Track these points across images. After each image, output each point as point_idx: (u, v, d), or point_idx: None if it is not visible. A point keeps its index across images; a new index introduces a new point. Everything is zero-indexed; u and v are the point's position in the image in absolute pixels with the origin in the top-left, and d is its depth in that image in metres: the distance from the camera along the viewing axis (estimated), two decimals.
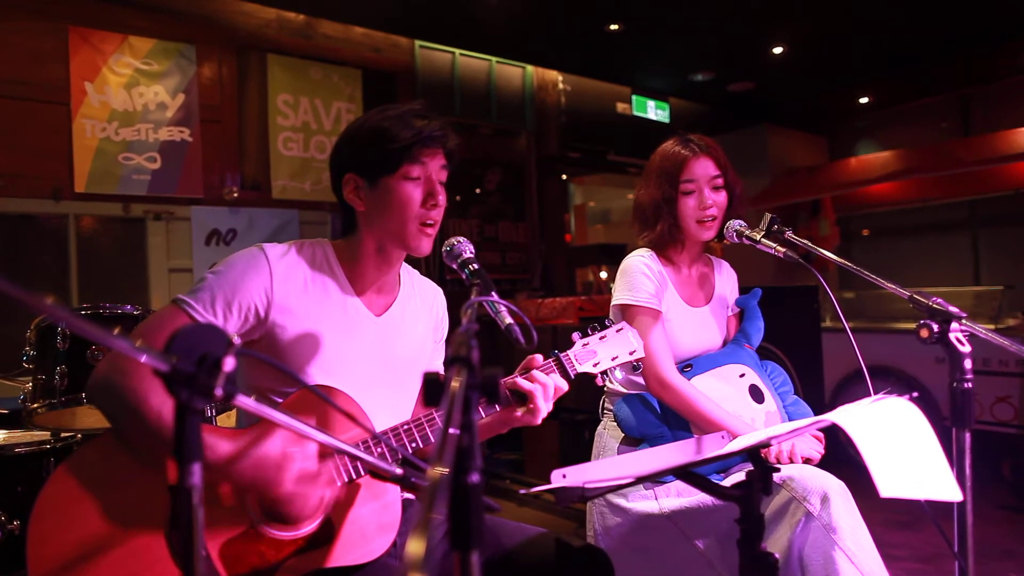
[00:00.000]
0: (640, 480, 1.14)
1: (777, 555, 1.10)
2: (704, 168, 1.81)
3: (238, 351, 0.77)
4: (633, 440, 1.80)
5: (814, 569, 1.42)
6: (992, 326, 4.60)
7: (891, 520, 3.43)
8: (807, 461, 1.66)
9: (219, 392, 0.74)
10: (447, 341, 1.59)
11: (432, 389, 0.73)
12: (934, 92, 7.06)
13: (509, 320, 1.20)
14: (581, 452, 1.91)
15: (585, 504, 1.80)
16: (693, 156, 1.81)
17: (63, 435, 2.16)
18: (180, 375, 0.73)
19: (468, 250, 1.33)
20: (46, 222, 4.49)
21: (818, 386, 3.87)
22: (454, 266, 1.32)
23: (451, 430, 0.64)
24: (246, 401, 0.82)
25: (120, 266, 4.78)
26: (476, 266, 1.29)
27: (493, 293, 1.18)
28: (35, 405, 2.04)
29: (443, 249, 1.35)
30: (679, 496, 1.64)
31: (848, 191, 7.11)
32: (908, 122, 7.45)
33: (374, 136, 1.34)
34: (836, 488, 1.48)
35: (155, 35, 4.75)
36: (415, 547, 0.49)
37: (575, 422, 4.01)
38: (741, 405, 1.76)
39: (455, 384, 0.70)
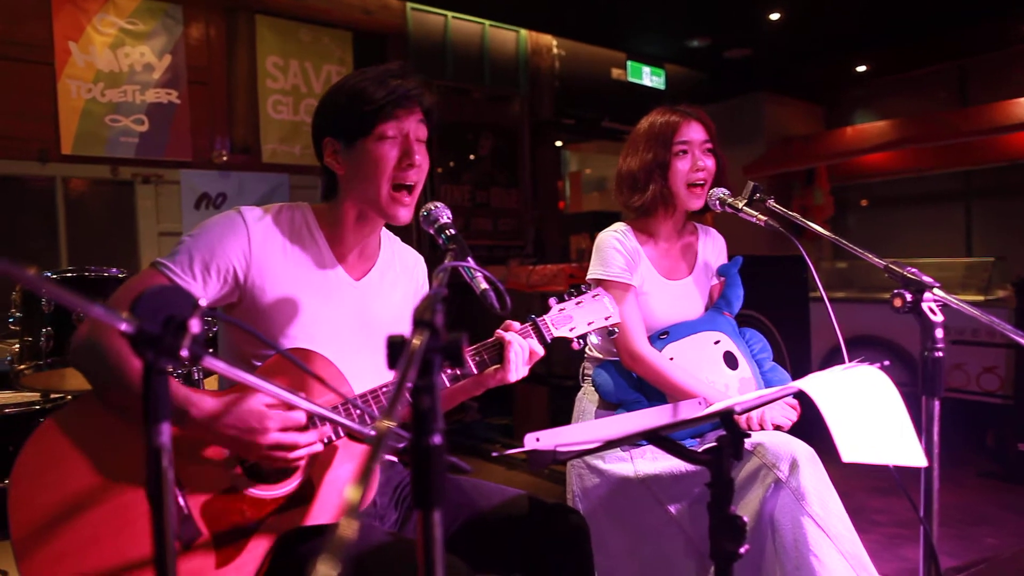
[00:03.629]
0: (611, 444, 1.16)
1: (746, 518, 1.12)
2: (696, 132, 1.83)
3: (204, 314, 0.77)
4: (611, 405, 1.83)
5: (783, 532, 1.46)
6: (982, 297, 4.63)
7: (873, 487, 3.49)
8: (778, 428, 1.69)
9: (185, 353, 0.75)
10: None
11: (395, 352, 0.73)
12: (932, 62, 6.97)
13: (484, 286, 1.20)
14: (570, 417, 1.95)
15: (566, 466, 1.84)
16: (685, 120, 1.83)
17: (53, 396, 2.18)
18: (145, 336, 0.73)
19: (445, 215, 1.32)
20: (33, 184, 4.45)
21: (805, 354, 3.90)
22: (431, 231, 1.32)
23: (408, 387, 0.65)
24: (216, 364, 0.82)
25: (109, 229, 4.75)
26: (453, 231, 1.28)
27: (469, 259, 1.18)
28: (22, 367, 2.05)
29: (420, 214, 1.35)
30: (654, 460, 1.67)
31: (843, 160, 7.07)
32: (905, 92, 7.37)
33: (349, 98, 1.34)
34: (805, 454, 1.51)
35: None
36: (353, 494, 0.50)
37: (564, 388, 4.05)
38: (714, 371, 1.78)
39: (415, 343, 0.70)
